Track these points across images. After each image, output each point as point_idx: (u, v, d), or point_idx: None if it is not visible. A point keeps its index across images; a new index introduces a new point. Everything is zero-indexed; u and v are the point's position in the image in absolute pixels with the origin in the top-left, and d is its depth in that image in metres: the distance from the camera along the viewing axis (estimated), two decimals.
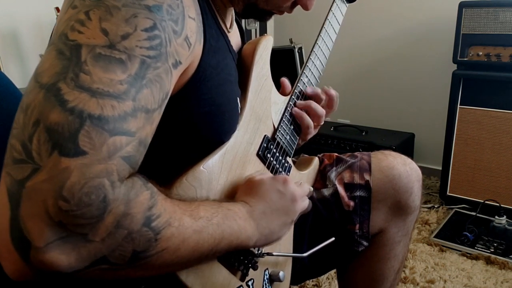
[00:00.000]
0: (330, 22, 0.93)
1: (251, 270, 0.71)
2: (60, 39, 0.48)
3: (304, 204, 0.73)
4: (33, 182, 0.41)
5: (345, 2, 0.98)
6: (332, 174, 0.92)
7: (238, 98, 0.70)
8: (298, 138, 0.85)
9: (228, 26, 0.75)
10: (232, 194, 0.67)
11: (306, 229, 0.90)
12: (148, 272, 0.50)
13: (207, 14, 0.63)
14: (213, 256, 0.59)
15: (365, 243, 0.91)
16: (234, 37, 0.78)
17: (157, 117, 0.51)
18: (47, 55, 0.48)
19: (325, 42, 0.92)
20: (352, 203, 0.89)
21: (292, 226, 0.73)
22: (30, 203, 0.41)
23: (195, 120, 0.63)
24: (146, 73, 0.48)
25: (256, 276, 0.73)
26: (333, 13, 0.94)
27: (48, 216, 0.41)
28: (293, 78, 0.87)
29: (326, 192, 0.91)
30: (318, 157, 0.97)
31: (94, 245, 0.43)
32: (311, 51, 0.89)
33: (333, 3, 0.95)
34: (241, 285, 0.68)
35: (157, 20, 0.50)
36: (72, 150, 0.42)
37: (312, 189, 0.81)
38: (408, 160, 0.92)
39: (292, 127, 0.83)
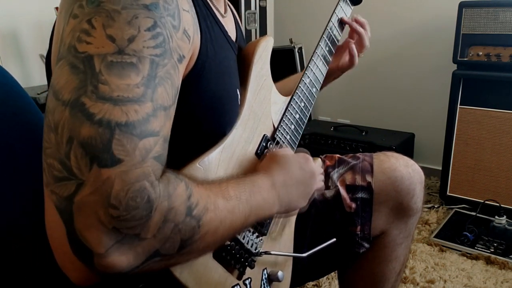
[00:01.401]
0: (334, 24, 0.92)
1: (248, 268, 0.71)
2: (69, 52, 0.48)
3: (320, 183, 0.78)
4: (81, 196, 0.44)
5: (350, 4, 0.97)
6: (334, 176, 0.92)
7: (237, 90, 0.71)
8: (299, 138, 0.85)
9: (222, 11, 0.74)
10: None
11: (307, 230, 0.90)
12: (194, 255, 0.55)
13: (199, 6, 0.63)
14: (244, 230, 0.65)
15: (366, 245, 0.91)
16: (230, 23, 0.78)
17: (173, 112, 0.53)
18: (60, 71, 0.48)
19: (328, 44, 0.91)
20: (353, 205, 0.89)
21: (307, 203, 0.75)
22: (82, 216, 0.44)
23: (196, 112, 0.63)
24: (157, 72, 0.50)
25: (254, 275, 0.73)
26: (337, 15, 0.93)
27: (102, 225, 0.44)
28: None
29: (328, 193, 0.91)
30: (320, 158, 0.97)
31: (148, 242, 0.46)
32: (313, 53, 0.89)
33: (337, 4, 0.94)
34: (238, 284, 0.68)
35: (157, 17, 0.51)
36: (109, 160, 0.44)
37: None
38: (410, 161, 0.92)
39: (293, 126, 0.82)
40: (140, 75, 0.48)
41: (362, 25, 0.98)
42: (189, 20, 0.57)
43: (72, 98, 0.45)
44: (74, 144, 0.44)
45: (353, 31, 0.98)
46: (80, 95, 0.45)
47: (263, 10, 2.50)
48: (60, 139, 0.45)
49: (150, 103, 0.48)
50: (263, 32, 2.52)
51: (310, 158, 0.75)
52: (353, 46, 0.97)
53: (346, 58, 1.00)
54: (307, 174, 0.73)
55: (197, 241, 0.51)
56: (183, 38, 0.55)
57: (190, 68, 0.59)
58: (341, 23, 0.95)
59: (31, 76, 1.91)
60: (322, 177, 0.81)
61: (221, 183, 0.58)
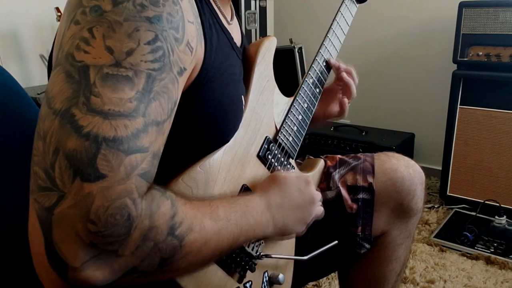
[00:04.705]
0: (338, 23, 0.92)
1: (248, 272, 0.71)
2: (67, 60, 0.48)
3: (320, 208, 0.76)
4: (61, 208, 0.43)
5: (355, 2, 0.97)
6: (335, 176, 0.92)
7: (242, 96, 0.70)
8: (301, 140, 0.85)
9: (229, 18, 0.74)
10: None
11: (308, 231, 0.89)
12: (174, 274, 0.55)
13: (205, 14, 0.62)
14: (232, 250, 0.63)
15: (367, 246, 0.91)
16: (236, 30, 0.77)
17: (167, 126, 0.52)
18: (56, 78, 0.48)
19: (332, 43, 0.91)
20: (355, 206, 0.89)
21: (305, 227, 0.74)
22: (61, 229, 0.44)
23: (200, 121, 0.63)
24: (153, 86, 0.49)
25: (255, 278, 0.73)
26: (342, 14, 0.93)
27: (80, 239, 0.43)
28: (293, 78, 0.87)
29: (329, 194, 0.91)
30: (321, 158, 0.97)
31: (125, 259, 0.46)
32: (317, 52, 0.88)
33: (342, 3, 0.93)
34: (239, 287, 0.69)
35: (158, 31, 0.50)
36: (92, 175, 0.43)
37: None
38: (411, 162, 0.92)
39: (295, 128, 0.82)
40: (134, 89, 0.47)
41: (348, 72, 0.93)
42: (193, 32, 0.57)
43: (63, 108, 0.45)
44: (60, 155, 0.44)
45: (340, 77, 0.93)
46: (71, 105, 0.45)
47: (263, 10, 2.50)
48: (47, 148, 0.45)
49: (142, 118, 0.47)
50: (263, 32, 2.52)
51: (311, 182, 0.74)
52: (345, 100, 0.95)
53: (335, 108, 0.98)
54: (306, 199, 0.72)
55: (178, 260, 0.50)
56: (186, 50, 0.54)
57: (193, 78, 0.59)
58: (346, 22, 0.94)
59: (31, 76, 1.91)
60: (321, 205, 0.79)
61: (211, 202, 0.57)
